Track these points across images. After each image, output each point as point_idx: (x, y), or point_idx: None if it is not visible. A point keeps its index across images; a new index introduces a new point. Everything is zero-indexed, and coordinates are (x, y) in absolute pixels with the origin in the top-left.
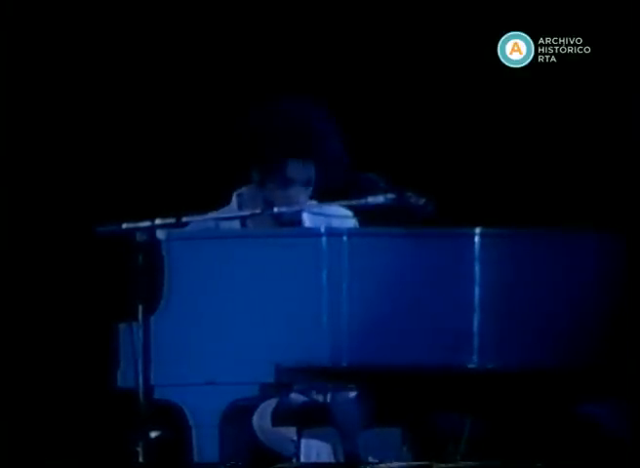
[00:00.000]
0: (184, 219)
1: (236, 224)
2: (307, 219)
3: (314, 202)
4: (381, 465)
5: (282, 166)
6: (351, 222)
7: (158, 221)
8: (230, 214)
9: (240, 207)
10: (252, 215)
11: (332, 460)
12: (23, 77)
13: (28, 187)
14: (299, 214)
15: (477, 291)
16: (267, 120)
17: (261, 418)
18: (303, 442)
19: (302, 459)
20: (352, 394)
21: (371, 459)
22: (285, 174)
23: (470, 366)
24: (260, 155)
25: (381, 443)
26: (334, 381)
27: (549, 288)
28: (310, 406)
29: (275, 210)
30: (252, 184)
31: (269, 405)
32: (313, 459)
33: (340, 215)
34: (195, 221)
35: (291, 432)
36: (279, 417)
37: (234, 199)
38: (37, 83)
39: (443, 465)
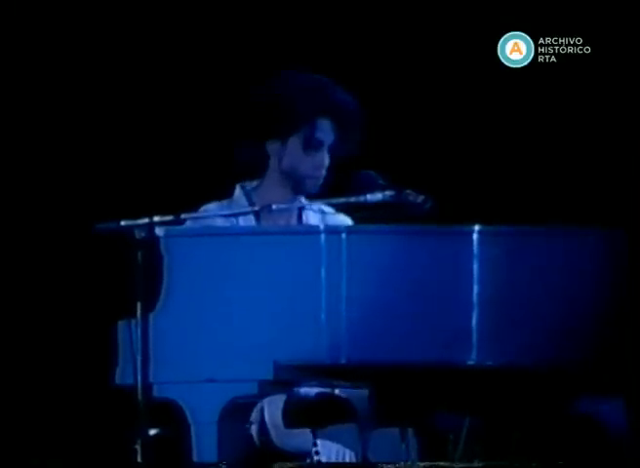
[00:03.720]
0: (183, 216)
1: (250, 219)
2: (310, 217)
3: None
4: (390, 466)
5: (311, 126)
6: (348, 222)
7: (157, 218)
8: (233, 209)
9: (250, 199)
10: (249, 213)
11: (353, 460)
12: (23, 76)
13: (26, 184)
14: (317, 185)
15: (476, 288)
16: (291, 81)
17: (273, 416)
18: (321, 443)
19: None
20: (364, 391)
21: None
22: (314, 134)
23: (469, 363)
24: (291, 114)
25: (381, 442)
26: (332, 379)
27: (549, 286)
28: (328, 400)
29: (274, 207)
30: (256, 177)
31: (279, 402)
32: (334, 460)
33: (333, 213)
34: (198, 218)
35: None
36: (292, 416)
37: (238, 191)
38: (36, 81)
39: (447, 464)
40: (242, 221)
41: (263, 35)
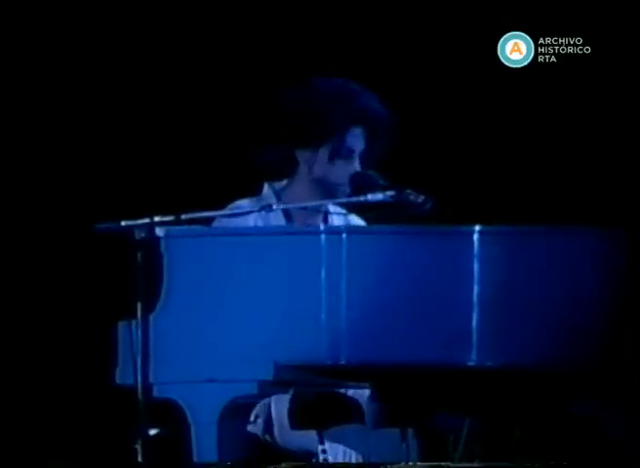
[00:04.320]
0: (183, 217)
1: (281, 219)
2: (335, 219)
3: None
4: (397, 465)
5: (343, 135)
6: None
7: (157, 219)
8: (248, 208)
9: (279, 199)
10: (249, 213)
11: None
12: (23, 75)
13: (27, 184)
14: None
15: (476, 288)
16: (322, 90)
17: (280, 415)
18: (328, 445)
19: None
20: (367, 392)
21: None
22: (346, 143)
23: (469, 364)
24: (324, 125)
25: (381, 443)
26: (333, 380)
27: (549, 286)
28: (335, 400)
29: (274, 207)
30: (289, 176)
31: (286, 401)
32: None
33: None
34: (223, 217)
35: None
36: (298, 417)
37: (267, 190)
38: (37, 81)
39: (446, 464)
40: (273, 221)
41: (278, 35)
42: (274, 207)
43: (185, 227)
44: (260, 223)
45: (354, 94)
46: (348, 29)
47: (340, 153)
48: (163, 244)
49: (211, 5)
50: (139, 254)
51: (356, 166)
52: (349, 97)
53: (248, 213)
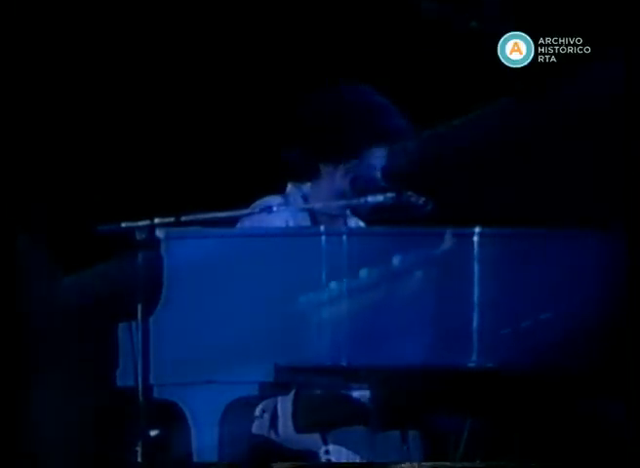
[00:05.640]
0: (183, 219)
1: (307, 220)
2: (353, 224)
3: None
4: (399, 465)
5: (366, 153)
6: None
7: (157, 220)
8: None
9: (306, 200)
10: (248, 214)
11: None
12: (23, 75)
13: (28, 185)
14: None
15: (476, 290)
16: (346, 109)
17: (286, 413)
18: (332, 446)
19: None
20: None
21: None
22: (368, 161)
23: (470, 365)
24: (346, 145)
25: (381, 443)
26: (334, 381)
27: (549, 287)
28: (340, 401)
29: (274, 209)
30: (311, 180)
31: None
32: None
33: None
34: (253, 215)
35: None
36: (303, 419)
37: (292, 190)
38: (37, 81)
39: (447, 464)
40: (302, 222)
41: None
42: (274, 209)
43: (185, 229)
44: (291, 223)
45: (377, 113)
46: (347, 28)
47: (361, 170)
48: (163, 245)
49: (238, 8)
50: (139, 256)
51: (378, 179)
52: (372, 116)
53: (247, 214)
